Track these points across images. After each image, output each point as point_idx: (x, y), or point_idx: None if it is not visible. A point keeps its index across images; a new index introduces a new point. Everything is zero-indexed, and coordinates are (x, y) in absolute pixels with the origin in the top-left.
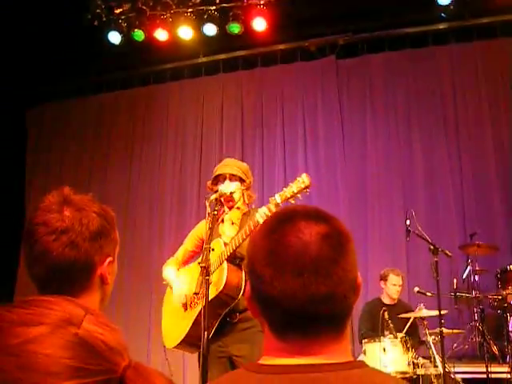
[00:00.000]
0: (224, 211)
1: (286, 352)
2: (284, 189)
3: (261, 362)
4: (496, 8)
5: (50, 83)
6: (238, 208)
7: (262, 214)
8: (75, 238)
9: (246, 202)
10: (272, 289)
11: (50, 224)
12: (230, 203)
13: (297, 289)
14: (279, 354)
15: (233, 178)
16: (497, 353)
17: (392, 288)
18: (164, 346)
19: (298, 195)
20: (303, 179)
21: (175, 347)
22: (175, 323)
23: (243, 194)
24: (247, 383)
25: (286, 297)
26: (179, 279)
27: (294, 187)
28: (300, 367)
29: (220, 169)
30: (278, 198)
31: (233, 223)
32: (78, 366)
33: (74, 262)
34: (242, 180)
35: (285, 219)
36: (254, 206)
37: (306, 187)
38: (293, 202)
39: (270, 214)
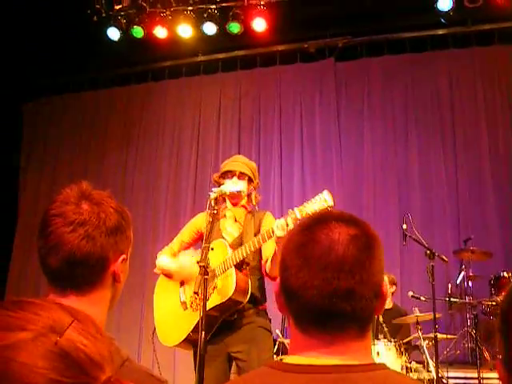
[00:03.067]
0: (226, 206)
1: (310, 347)
2: (305, 204)
3: (286, 360)
4: (495, 15)
5: (48, 78)
6: (242, 206)
7: (278, 226)
8: (92, 231)
9: (253, 203)
10: (297, 280)
11: (67, 216)
12: (236, 200)
13: (319, 282)
14: (303, 349)
15: (242, 176)
16: (489, 359)
17: None
18: (153, 343)
19: None
20: (325, 198)
21: (175, 346)
22: (174, 322)
23: (251, 194)
24: (273, 381)
25: (309, 289)
26: (181, 258)
27: (315, 205)
28: (325, 367)
29: (230, 165)
30: (297, 213)
31: (236, 220)
32: (53, 377)
33: (88, 256)
34: (250, 179)
35: (319, 219)
36: (257, 208)
37: (329, 207)
38: None
39: (286, 228)
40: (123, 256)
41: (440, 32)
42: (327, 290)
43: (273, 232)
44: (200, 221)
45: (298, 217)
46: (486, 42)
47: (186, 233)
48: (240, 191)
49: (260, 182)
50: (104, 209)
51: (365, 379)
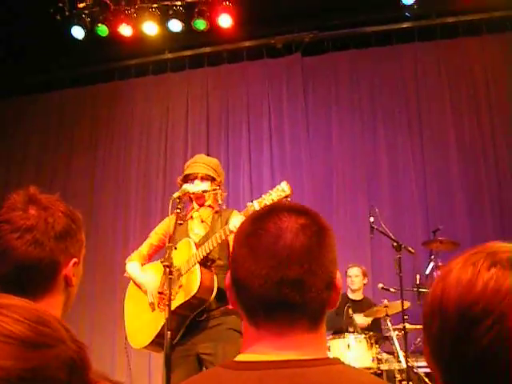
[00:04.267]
0: (193, 208)
1: (261, 341)
2: (263, 196)
3: (237, 358)
4: (459, 8)
5: (13, 78)
6: (209, 206)
7: (236, 225)
8: (40, 236)
9: (219, 201)
10: (244, 270)
11: (14, 222)
12: (201, 201)
13: (266, 271)
14: (255, 344)
15: (204, 177)
16: None
17: (348, 280)
18: (126, 348)
19: None
20: (283, 188)
21: (144, 348)
22: (142, 323)
23: (216, 193)
24: (225, 380)
25: (256, 278)
26: (146, 275)
27: (273, 195)
28: (277, 363)
29: (191, 168)
30: (256, 205)
31: (202, 221)
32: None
33: (37, 261)
34: (213, 178)
35: (270, 210)
36: (225, 206)
37: (286, 196)
38: None
39: None
40: (74, 259)
41: (405, 25)
42: (274, 279)
43: (230, 231)
44: (168, 224)
45: (257, 208)
46: (451, 34)
47: (155, 236)
48: (204, 191)
49: (225, 178)
50: (52, 213)
51: (319, 374)
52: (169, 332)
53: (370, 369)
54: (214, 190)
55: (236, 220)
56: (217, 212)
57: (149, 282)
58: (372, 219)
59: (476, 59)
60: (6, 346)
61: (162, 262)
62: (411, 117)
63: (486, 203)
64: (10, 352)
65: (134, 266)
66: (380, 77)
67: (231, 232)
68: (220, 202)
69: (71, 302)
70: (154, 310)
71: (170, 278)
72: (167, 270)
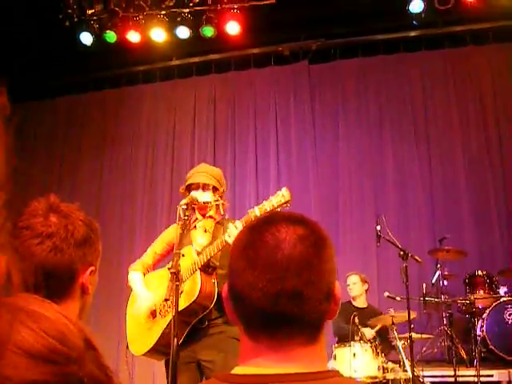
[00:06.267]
0: (196, 218)
1: (258, 354)
2: (264, 202)
3: (233, 371)
4: (466, 16)
5: (21, 84)
6: (210, 217)
7: (231, 234)
8: (59, 243)
9: (221, 212)
10: (242, 282)
11: (34, 228)
12: (203, 211)
13: (265, 283)
14: (252, 357)
15: (206, 187)
16: (465, 356)
17: (348, 288)
18: (126, 353)
19: (278, 209)
20: (283, 193)
21: (143, 355)
22: (143, 330)
23: (218, 204)
24: None
25: (254, 291)
26: (144, 290)
27: (274, 201)
28: (273, 376)
29: (193, 177)
30: (257, 211)
31: (206, 231)
32: None
33: (56, 267)
34: (215, 188)
35: (267, 220)
36: (227, 216)
37: (286, 202)
38: None
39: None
40: (92, 268)
41: (412, 34)
42: (273, 291)
43: (225, 241)
44: (171, 232)
45: (258, 214)
46: (458, 43)
47: (158, 245)
48: (205, 202)
49: (230, 185)
50: (72, 221)
51: None
52: (175, 339)
53: (375, 378)
54: (217, 200)
55: (231, 230)
56: (218, 223)
57: (146, 297)
58: (379, 228)
59: (483, 68)
60: (16, 357)
61: (169, 269)
62: (418, 125)
63: (492, 212)
64: (17, 362)
65: (135, 277)
66: (387, 85)
67: (226, 242)
68: (222, 212)
69: (86, 311)
70: (155, 317)
71: (177, 285)
72: (174, 276)
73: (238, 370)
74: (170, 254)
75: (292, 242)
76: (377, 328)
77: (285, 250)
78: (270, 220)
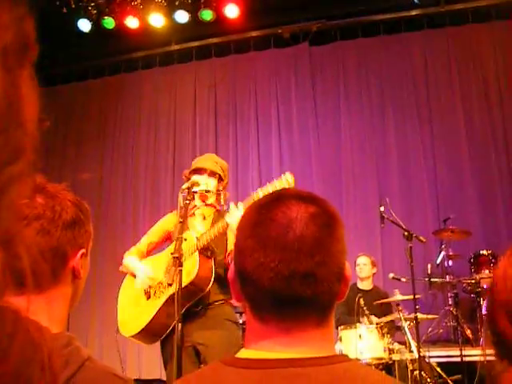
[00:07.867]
0: (195, 205)
1: (267, 336)
2: (268, 184)
3: (240, 355)
4: None
5: None
6: (210, 204)
7: (232, 215)
8: (47, 225)
9: (222, 202)
10: (251, 262)
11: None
12: (204, 198)
13: (276, 264)
14: (260, 339)
15: (212, 174)
16: (470, 336)
17: (357, 268)
18: (116, 335)
19: None
20: (287, 178)
21: (132, 336)
22: (135, 311)
23: (220, 193)
24: (224, 378)
25: (265, 271)
26: (144, 265)
27: (277, 185)
28: (280, 361)
29: (201, 162)
30: (260, 193)
31: (204, 218)
32: None
33: (44, 251)
34: (220, 178)
35: (276, 197)
36: (225, 207)
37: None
38: None
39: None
40: (82, 250)
41: (413, 13)
42: (285, 272)
43: (226, 223)
44: (168, 221)
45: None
46: (460, 21)
47: (155, 233)
48: (207, 191)
49: (232, 172)
50: (60, 202)
51: (322, 373)
52: (179, 324)
53: (381, 359)
54: (219, 191)
55: (232, 211)
56: (217, 211)
57: (145, 269)
58: (382, 208)
59: (485, 45)
60: None
61: (171, 254)
62: (421, 105)
63: (497, 192)
64: None
65: (132, 259)
66: (389, 65)
67: (228, 224)
68: (222, 202)
69: (78, 296)
70: (149, 298)
71: (180, 270)
72: (177, 261)
73: (245, 353)
74: (165, 242)
75: (304, 221)
76: (387, 319)
77: (296, 229)
78: (280, 197)
